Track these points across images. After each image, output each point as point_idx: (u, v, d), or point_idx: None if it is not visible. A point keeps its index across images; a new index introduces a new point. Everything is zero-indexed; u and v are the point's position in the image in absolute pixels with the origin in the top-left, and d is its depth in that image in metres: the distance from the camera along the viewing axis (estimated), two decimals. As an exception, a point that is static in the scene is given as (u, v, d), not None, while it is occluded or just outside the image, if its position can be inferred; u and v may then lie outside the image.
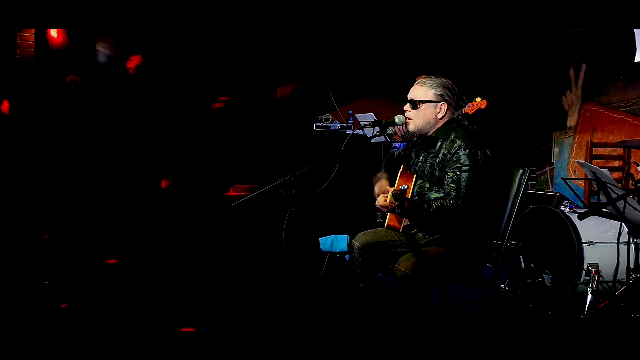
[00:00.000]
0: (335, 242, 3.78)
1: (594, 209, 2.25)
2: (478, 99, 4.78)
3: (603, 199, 3.00)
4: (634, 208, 2.81)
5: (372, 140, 5.41)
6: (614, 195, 2.83)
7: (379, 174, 3.12)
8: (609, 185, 2.84)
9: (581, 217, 2.13)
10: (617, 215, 2.97)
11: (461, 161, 2.78)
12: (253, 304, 3.80)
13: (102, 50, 6.42)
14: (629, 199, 2.79)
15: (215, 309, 3.70)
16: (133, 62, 6.09)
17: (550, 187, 6.31)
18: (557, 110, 6.26)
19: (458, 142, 2.82)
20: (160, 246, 5.11)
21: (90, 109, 6.03)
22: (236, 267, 4.59)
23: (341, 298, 3.72)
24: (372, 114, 5.23)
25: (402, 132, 5.13)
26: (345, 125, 5.59)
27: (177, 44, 6.14)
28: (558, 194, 4.83)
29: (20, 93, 5.84)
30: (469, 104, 4.85)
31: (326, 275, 3.83)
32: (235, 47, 6.24)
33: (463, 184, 2.75)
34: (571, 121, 6.10)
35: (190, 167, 6.23)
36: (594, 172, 2.94)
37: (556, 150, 6.29)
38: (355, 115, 5.67)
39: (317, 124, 5.67)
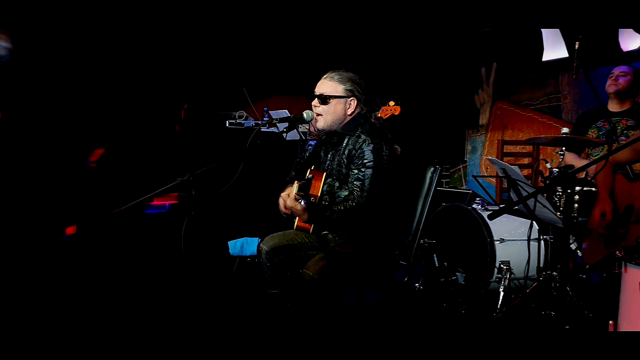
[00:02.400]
0: (245, 246, 3.59)
1: (504, 208, 2.19)
2: (392, 103, 4.74)
3: (513, 196, 2.98)
4: (544, 206, 2.79)
5: (288, 139, 5.26)
6: (524, 193, 2.80)
7: (288, 178, 2.99)
8: (519, 182, 2.81)
9: (491, 217, 2.05)
10: (528, 213, 2.96)
11: (365, 157, 2.68)
12: (160, 313, 3.56)
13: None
14: (539, 196, 2.78)
15: (123, 318, 3.43)
16: None
17: (464, 184, 6.40)
18: (470, 109, 6.35)
19: (363, 137, 2.73)
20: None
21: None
22: (141, 275, 4.32)
23: (252, 304, 3.54)
24: (286, 110, 5.08)
25: (317, 129, 5.00)
26: (260, 122, 5.39)
27: (77, 37, 5.76)
28: (471, 192, 4.87)
29: None
30: (383, 107, 4.80)
31: (237, 280, 3.64)
32: (145, 40, 5.92)
33: (367, 181, 2.66)
34: (483, 119, 6.20)
35: (93, 167, 5.84)
36: (504, 169, 2.91)
37: (469, 148, 6.38)
38: (270, 112, 5.50)
39: (231, 121, 5.45)
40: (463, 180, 6.45)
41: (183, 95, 6.08)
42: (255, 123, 5.48)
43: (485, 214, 3.77)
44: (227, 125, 5.47)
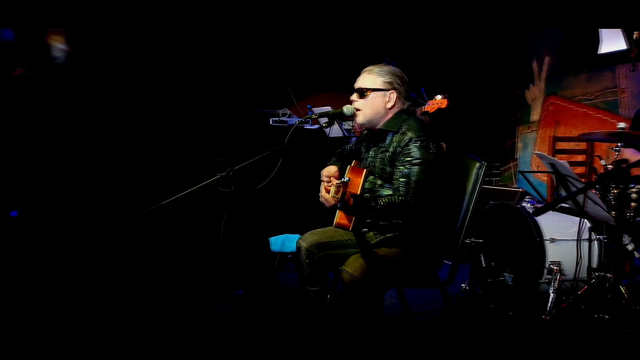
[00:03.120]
0: (286, 242, 3.56)
1: (550, 204, 2.07)
2: (439, 97, 4.63)
3: (563, 192, 2.83)
4: (595, 202, 2.64)
5: (332, 136, 5.22)
6: (574, 189, 2.66)
7: (328, 164, 2.93)
8: (568, 178, 2.67)
9: (536, 212, 1.94)
10: (578, 210, 2.81)
11: (412, 154, 2.58)
12: (202, 309, 3.58)
13: (56, 45, 6.14)
14: (590, 192, 2.63)
15: (161, 313, 3.47)
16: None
17: (515, 182, 6.20)
18: (521, 105, 6.15)
19: (409, 134, 2.63)
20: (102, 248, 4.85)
21: (38, 104, 5.75)
22: (184, 270, 4.37)
23: (292, 301, 3.52)
24: (329, 107, 5.03)
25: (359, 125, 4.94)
26: (303, 119, 5.36)
27: (125, 39, 5.90)
28: (521, 190, 4.71)
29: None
30: (429, 101, 4.70)
31: (276, 277, 3.62)
32: (191, 40, 6.01)
33: (413, 178, 2.56)
34: (534, 115, 5.99)
35: (144, 164, 5.97)
36: (552, 165, 2.77)
37: (519, 145, 6.18)
38: (313, 109, 5.47)
39: (274, 119, 5.44)
40: (514, 178, 6.26)
41: (229, 95, 6.14)
42: (298, 120, 5.46)
43: (534, 212, 3.63)
44: (271, 123, 5.48)
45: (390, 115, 2.74)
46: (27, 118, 5.67)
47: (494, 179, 6.42)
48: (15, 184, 5.37)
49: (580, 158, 5.23)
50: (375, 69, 2.73)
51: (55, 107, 5.75)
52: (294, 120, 5.46)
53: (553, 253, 3.54)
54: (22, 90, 5.72)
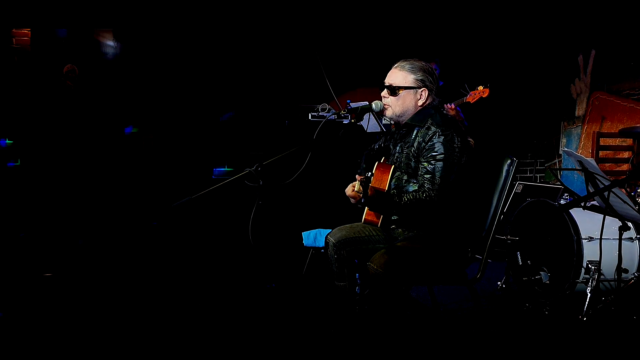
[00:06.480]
0: (318, 237, 3.59)
1: (575, 201, 2.03)
2: (480, 87, 4.59)
3: (592, 190, 2.76)
4: (624, 201, 2.56)
5: (369, 131, 5.20)
6: (602, 187, 2.59)
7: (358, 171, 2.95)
8: (596, 176, 2.60)
9: (561, 209, 1.91)
10: (606, 207, 2.72)
11: (436, 149, 2.57)
12: (232, 302, 3.65)
13: (105, 41, 6.34)
14: (618, 190, 2.55)
15: (194, 306, 3.56)
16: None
17: (559, 179, 6.05)
18: (565, 100, 5.99)
19: (433, 128, 2.61)
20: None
21: (87, 99, 5.95)
22: (220, 264, 4.45)
23: (324, 296, 3.55)
24: (366, 102, 5.02)
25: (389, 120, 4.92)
26: (341, 114, 5.37)
27: (172, 36, 6.04)
28: (563, 187, 4.59)
29: (16, 83, 5.78)
30: (471, 92, 4.65)
31: (309, 271, 3.65)
32: (230, 37, 6.09)
33: (437, 174, 2.55)
34: (579, 110, 5.82)
35: (186, 157, 6.11)
36: (580, 162, 2.70)
37: (564, 141, 6.02)
38: (352, 104, 5.47)
39: (313, 113, 5.47)
40: (558, 174, 6.10)
41: (272, 92, 6.21)
42: (327, 116, 5.47)
43: (573, 211, 3.54)
44: (310, 118, 5.50)
45: (418, 110, 2.73)
46: (77, 113, 5.89)
47: (538, 175, 6.27)
48: (66, 178, 5.59)
49: (626, 154, 5.06)
50: (407, 65, 2.72)
51: (105, 102, 5.95)
52: (331, 114, 5.48)
53: (591, 252, 3.46)
54: (72, 86, 5.94)
